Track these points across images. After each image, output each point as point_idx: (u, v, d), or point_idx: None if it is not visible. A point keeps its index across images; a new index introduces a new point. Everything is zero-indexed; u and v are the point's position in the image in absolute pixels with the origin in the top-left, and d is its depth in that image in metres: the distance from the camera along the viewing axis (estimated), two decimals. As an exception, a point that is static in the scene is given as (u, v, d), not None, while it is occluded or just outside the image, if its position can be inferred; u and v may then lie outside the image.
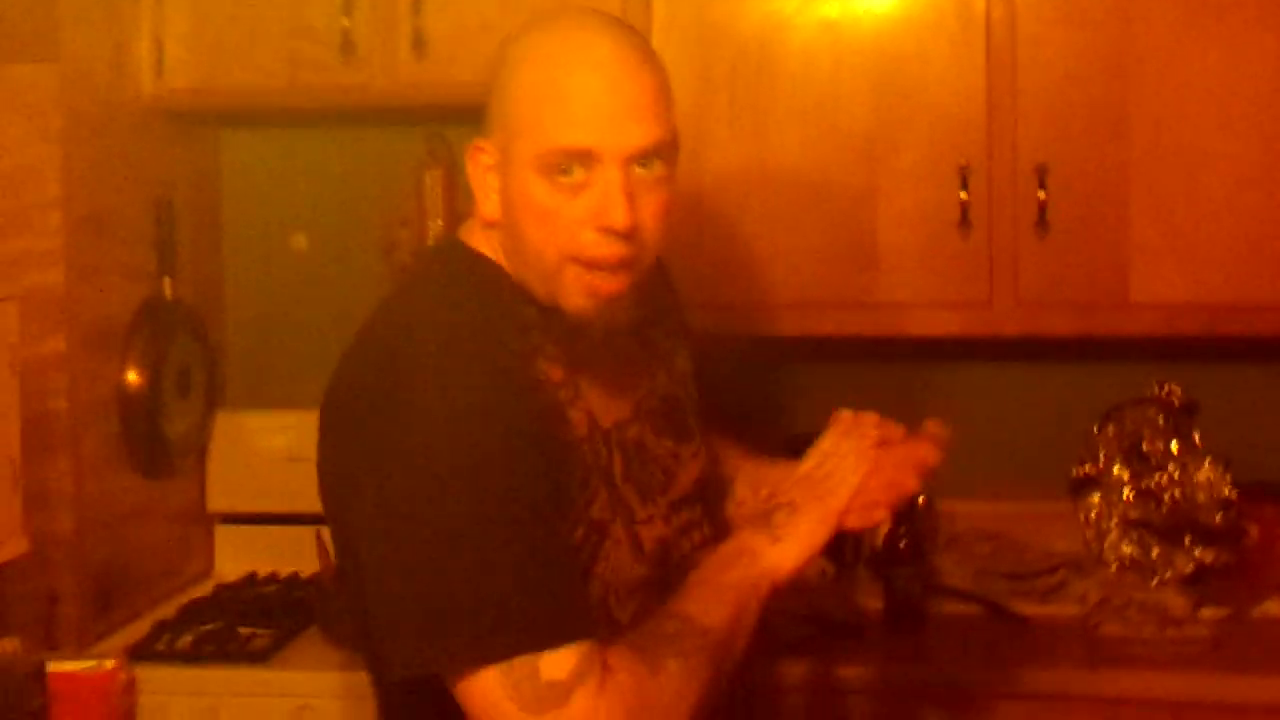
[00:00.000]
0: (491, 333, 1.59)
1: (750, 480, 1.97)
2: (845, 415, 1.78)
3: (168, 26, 2.79)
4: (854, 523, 1.71)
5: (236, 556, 3.11)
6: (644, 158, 1.58)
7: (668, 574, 1.69)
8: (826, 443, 1.75)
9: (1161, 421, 2.79)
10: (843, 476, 1.70)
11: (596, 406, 1.67)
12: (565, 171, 1.56)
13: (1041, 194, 2.58)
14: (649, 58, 1.62)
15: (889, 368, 2.99)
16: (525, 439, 1.53)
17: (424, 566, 1.48)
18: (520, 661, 1.45)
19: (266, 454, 3.08)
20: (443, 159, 2.90)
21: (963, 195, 2.60)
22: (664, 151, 1.60)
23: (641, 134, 1.57)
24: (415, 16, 2.69)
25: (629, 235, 1.56)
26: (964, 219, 2.61)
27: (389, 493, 1.50)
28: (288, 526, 3.01)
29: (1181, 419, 2.79)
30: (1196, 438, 2.77)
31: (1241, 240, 2.57)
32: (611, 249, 1.57)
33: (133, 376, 2.81)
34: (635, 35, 1.65)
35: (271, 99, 2.82)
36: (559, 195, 1.57)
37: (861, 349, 2.92)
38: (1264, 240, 2.56)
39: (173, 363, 2.92)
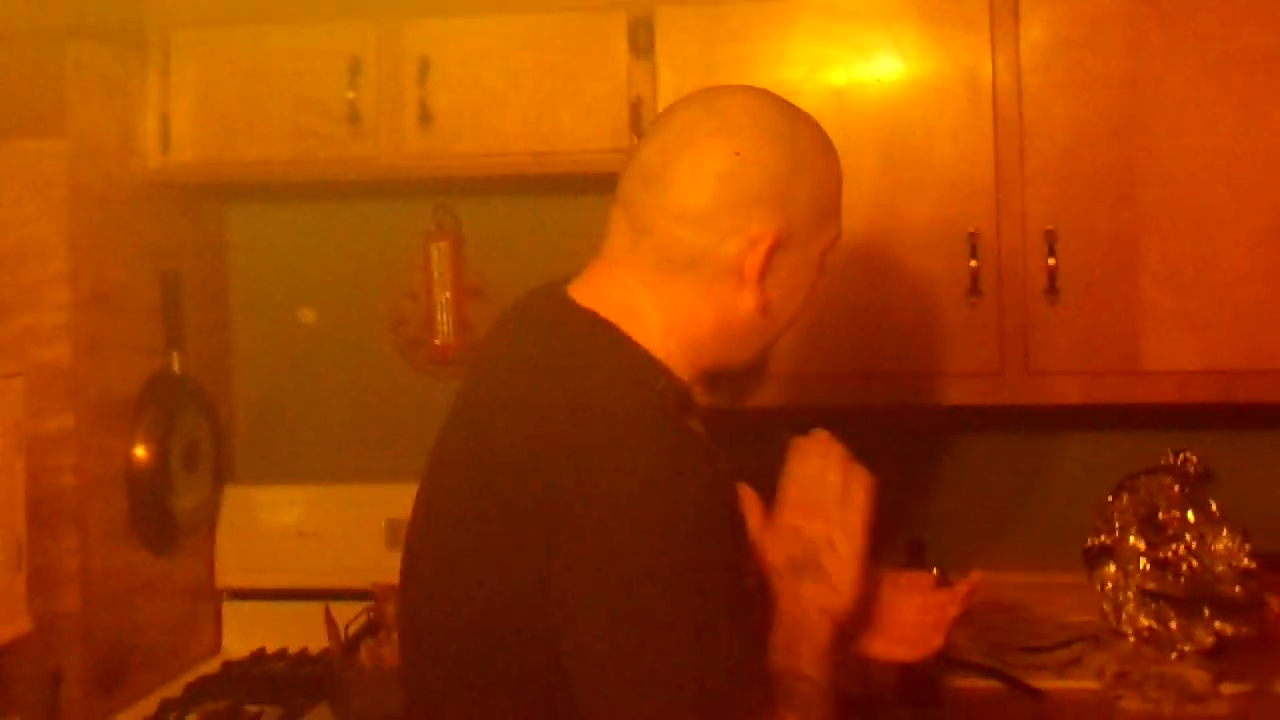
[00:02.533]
0: (665, 409, 1.57)
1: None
2: (800, 441, 1.73)
3: (174, 101, 2.80)
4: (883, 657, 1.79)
5: (245, 633, 3.07)
6: None
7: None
8: (800, 468, 1.70)
9: (1177, 490, 2.76)
10: (844, 497, 1.67)
11: None
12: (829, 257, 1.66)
13: (1051, 261, 2.56)
14: None
15: (899, 439, 2.96)
16: (730, 508, 1.54)
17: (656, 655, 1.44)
18: None
19: (275, 529, 3.07)
20: (449, 231, 2.91)
21: (972, 263, 2.58)
22: None
23: None
24: (420, 88, 2.70)
25: None
26: (974, 287, 2.59)
27: (615, 566, 1.44)
28: (296, 603, 2.98)
29: (1197, 488, 2.76)
30: (1214, 506, 2.74)
31: (1254, 305, 2.53)
32: None
33: (140, 452, 2.79)
34: None
35: (277, 172, 2.81)
36: (820, 277, 1.66)
37: (871, 420, 2.87)
38: (1277, 305, 2.52)
39: (180, 437, 2.91)
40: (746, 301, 1.60)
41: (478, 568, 1.54)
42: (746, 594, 1.53)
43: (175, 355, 2.91)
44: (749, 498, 1.64)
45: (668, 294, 1.60)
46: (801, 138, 1.62)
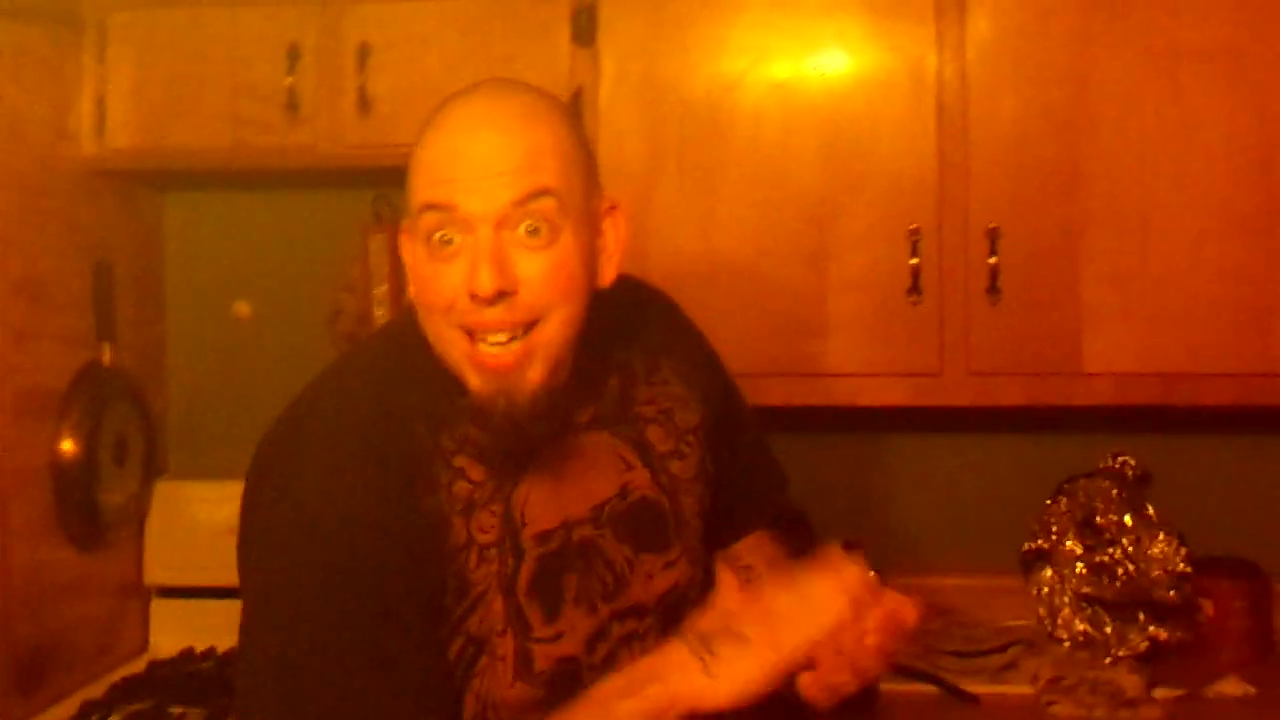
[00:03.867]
0: (397, 425, 1.52)
1: (718, 609, 1.71)
2: (836, 555, 1.55)
3: (110, 85, 2.76)
4: (817, 696, 1.49)
5: (174, 632, 3.01)
6: (519, 218, 1.49)
7: (574, 692, 1.55)
8: (805, 580, 1.52)
9: (1115, 494, 2.75)
10: (807, 625, 1.48)
11: (533, 507, 1.58)
12: (445, 240, 1.49)
13: (993, 259, 2.54)
14: (541, 114, 1.53)
15: (837, 439, 2.95)
16: (389, 547, 1.46)
17: (269, 670, 1.45)
18: None
19: (207, 525, 2.98)
20: (388, 222, 2.86)
21: (913, 261, 2.56)
22: (547, 210, 1.50)
23: (509, 191, 1.48)
24: (360, 75, 2.67)
25: (495, 300, 1.47)
26: (914, 285, 2.56)
27: (252, 580, 1.51)
28: (228, 600, 2.88)
29: (1135, 491, 2.75)
30: (1151, 510, 2.73)
31: (1196, 306, 2.52)
32: (486, 316, 1.48)
33: (67, 445, 2.73)
34: (532, 94, 1.57)
35: (215, 159, 2.77)
36: (436, 263, 1.50)
37: (808, 420, 2.84)
38: (1219, 306, 2.51)
39: (109, 431, 2.85)
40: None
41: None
42: (401, 640, 1.47)
43: (106, 347, 2.86)
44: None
45: None
46: (419, 134, 1.56)
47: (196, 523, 3.01)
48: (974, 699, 2.55)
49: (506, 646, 1.54)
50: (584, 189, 1.55)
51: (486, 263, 1.46)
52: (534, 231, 1.49)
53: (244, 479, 1.57)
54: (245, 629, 1.50)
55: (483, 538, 1.53)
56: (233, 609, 2.77)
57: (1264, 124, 2.52)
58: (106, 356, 2.86)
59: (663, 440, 1.74)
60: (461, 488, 1.53)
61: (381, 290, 2.84)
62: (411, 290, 1.57)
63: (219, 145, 2.74)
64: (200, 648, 2.96)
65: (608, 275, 1.60)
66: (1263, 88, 2.52)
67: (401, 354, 1.59)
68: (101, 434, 2.81)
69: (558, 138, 1.53)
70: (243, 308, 3.13)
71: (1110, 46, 2.54)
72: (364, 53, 2.67)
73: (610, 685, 1.50)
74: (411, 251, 1.55)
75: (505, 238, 1.48)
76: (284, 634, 1.44)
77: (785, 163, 2.59)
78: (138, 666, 2.89)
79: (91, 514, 2.81)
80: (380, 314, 2.84)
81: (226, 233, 3.14)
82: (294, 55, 2.69)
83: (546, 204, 1.50)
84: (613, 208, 1.61)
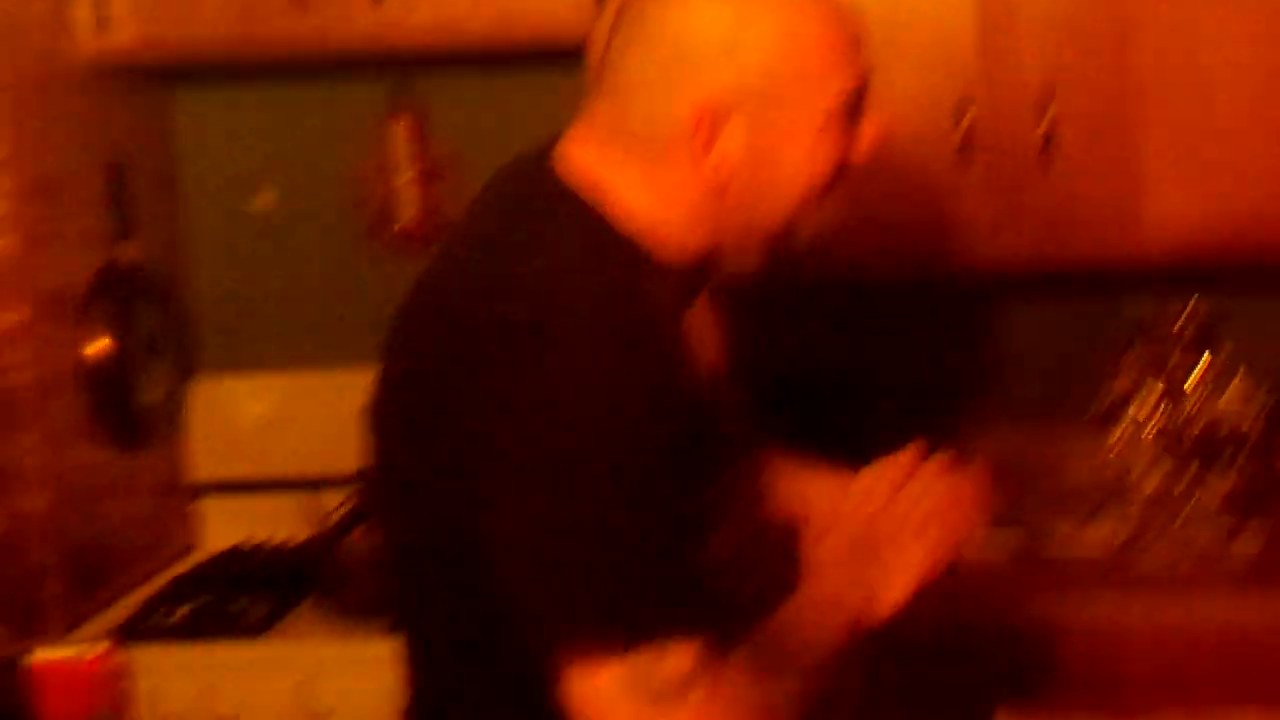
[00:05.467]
0: (627, 292, 1.45)
1: (804, 486, 1.79)
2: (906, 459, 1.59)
3: (109, -21, 2.63)
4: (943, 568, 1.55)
5: (222, 527, 3.00)
6: None
7: (746, 552, 1.57)
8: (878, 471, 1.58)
9: (1189, 341, 2.69)
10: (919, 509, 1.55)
11: (698, 370, 1.55)
12: (842, 118, 1.47)
13: (1044, 124, 2.45)
14: None
15: (899, 303, 2.87)
16: (678, 407, 1.41)
17: (564, 538, 1.37)
18: (645, 652, 1.34)
19: (247, 420, 2.99)
20: (408, 108, 2.76)
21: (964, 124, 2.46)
22: None
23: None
24: (371, -40, 2.54)
25: None
26: (964, 151, 2.47)
27: (533, 453, 1.37)
28: (274, 493, 2.92)
29: (1207, 339, 2.68)
30: (1226, 354, 2.67)
31: (1257, 158, 2.44)
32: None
33: (96, 346, 2.68)
34: None
35: (223, 51, 2.66)
36: (835, 144, 1.48)
37: (866, 294, 2.80)
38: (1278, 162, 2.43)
39: (138, 330, 2.80)
40: (705, 173, 1.47)
41: (421, 455, 1.47)
42: (681, 520, 1.42)
43: (126, 246, 2.78)
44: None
45: (639, 167, 1.49)
46: (763, 33, 1.45)
47: (236, 418, 2.99)
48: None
49: (739, 510, 1.55)
50: None
51: (882, 134, 1.51)
52: None
53: (447, 359, 1.45)
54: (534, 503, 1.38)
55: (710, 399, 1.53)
56: (281, 501, 2.82)
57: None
58: (127, 255, 2.79)
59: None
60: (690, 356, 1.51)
61: (406, 178, 2.76)
62: (778, 174, 1.48)
63: (226, 36, 2.61)
64: (251, 542, 2.95)
65: None
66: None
67: (592, 223, 1.49)
68: (130, 334, 2.76)
69: None
70: (264, 199, 3.03)
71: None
72: (376, -64, 2.54)
73: (781, 617, 1.51)
74: (790, 145, 1.48)
75: None
76: (591, 498, 1.37)
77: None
78: (191, 563, 2.89)
79: (128, 414, 2.77)
80: (406, 201, 2.76)
81: (241, 126, 3.03)
82: (302, -59, 2.55)
83: None
84: None
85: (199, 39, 2.64)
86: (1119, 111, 2.45)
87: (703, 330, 1.60)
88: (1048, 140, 2.46)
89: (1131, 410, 2.70)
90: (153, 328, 2.87)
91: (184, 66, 2.85)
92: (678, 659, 1.34)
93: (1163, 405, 2.69)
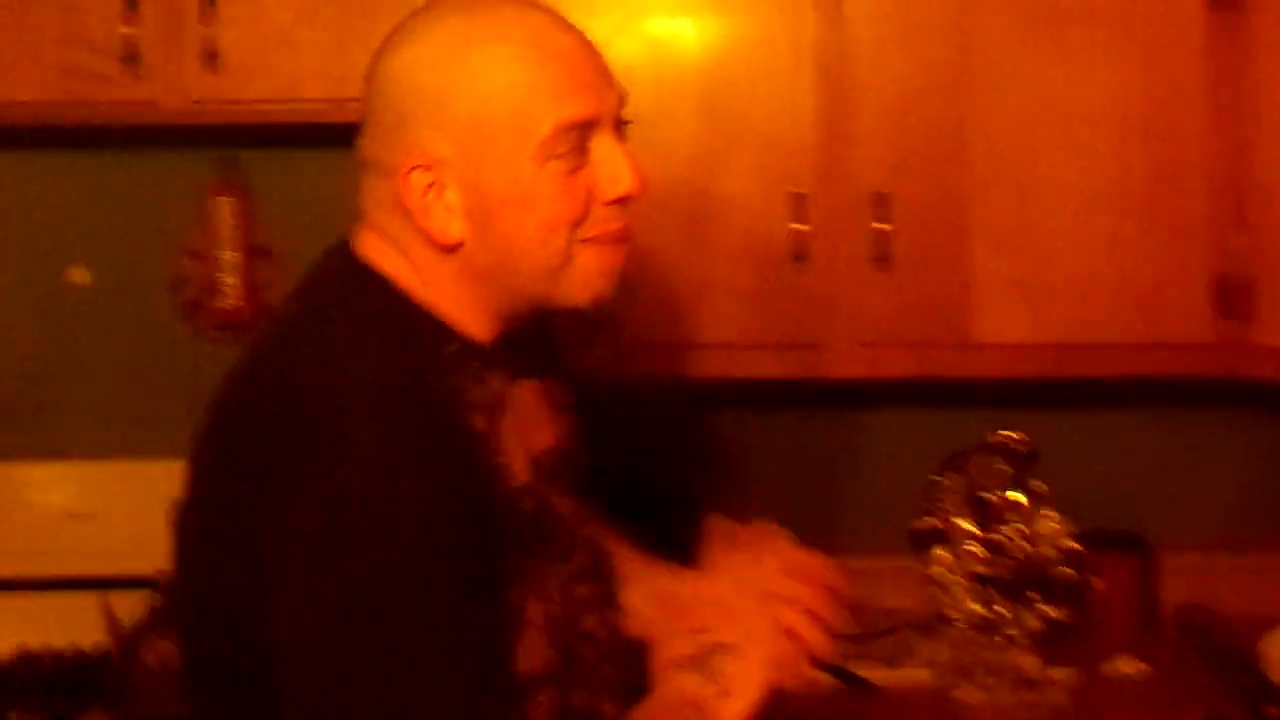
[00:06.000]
0: (421, 376, 1.40)
1: (646, 589, 1.70)
2: (755, 532, 1.59)
3: (-76, 34, 2.53)
4: (789, 682, 1.48)
5: (7, 629, 2.76)
6: (616, 115, 1.47)
7: (569, 661, 1.48)
8: (725, 563, 1.53)
9: (1004, 469, 2.67)
10: (766, 614, 1.48)
11: (512, 460, 1.46)
12: (580, 149, 1.42)
13: (881, 225, 2.44)
14: None
15: (716, 415, 2.84)
16: (467, 497, 1.34)
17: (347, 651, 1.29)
18: None
19: (42, 510, 2.81)
20: (236, 184, 2.68)
21: (797, 226, 2.44)
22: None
23: (618, 90, 1.47)
24: (206, 26, 2.46)
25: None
26: (799, 252, 2.45)
27: (314, 559, 1.30)
28: (68, 593, 2.71)
29: (1024, 467, 2.67)
30: (1039, 486, 2.65)
31: (1085, 274, 2.45)
32: (622, 219, 1.46)
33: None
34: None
35: (45, 115, 2.54)
36: (562, 178, 1.42)
37: (687, 395, 2.75)
38: (1107, 273, 2.45)
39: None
40: (436, 236, 1.43)
41: (217, 556, 1.40)
42: (484, 607, 1.35)
43: (-79, 316, 2.65)
44: None
45: (399, 240, 1.45)
46: (468, 43, 1.43)
47: (30, 507, 2.82)
48: (874, 689, 2.39)
49: (533, 610, 1.44)
50: None
51: (628, 161, 1.45)
52: (621, 127, 1.47)
53: (227, 453, 1.41)
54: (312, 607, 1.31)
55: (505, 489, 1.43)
56: (73, 602, 2.65)
57: (1150, 89, 2.46)
58: (-78, 326, 2.65)
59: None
60: (480, 438, 1.43)
61: (231, 256, 2.66)
62: (452, 227, 1.42)
63: (49, 99, 2.50)
64: (38, 646, 2.72)
65: None
66: (1151, 51, 2.46)
67: (379, 300, 1.45)
68: (-81, 411, 2.61)
69: None
70: (78, 274, 2.89)
71: (995, 5, 2.45)
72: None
73: (649, 713, 1.46)
74: (461, 181, 1.42)
75: (621, 136, 1.46)
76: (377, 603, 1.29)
77: (658, 124, 2.43)
78: (-32, 668, 2.69)
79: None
80: (230, 281, 2.67)
81: (59, 194, 2.90)
82: (132, 2, 2.47)
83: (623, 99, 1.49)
84: None
85: (19, 101, 2.52)
86: (952, 217, 2.45)
87: (528, 416, 1.53)
88: (881, 244, 2.45)
89: (952, 533, 2.67)
90: (-56, 406, 2.71)
91: (2, 128, 2.70)
92: None
93: (982, 529, 2.67)
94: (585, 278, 1.45)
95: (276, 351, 1.45)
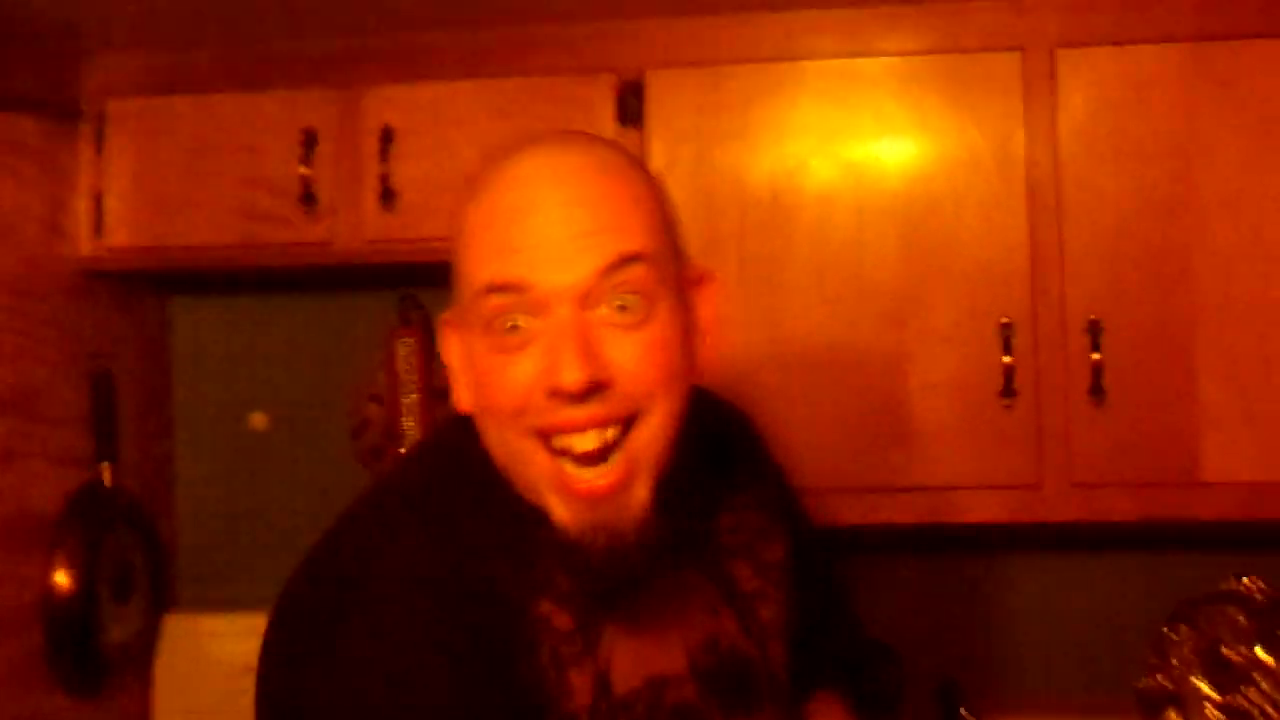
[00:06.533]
0: (470, 571, 1.23)
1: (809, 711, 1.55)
2: None
3: (109, 179, 2.51)
4: None
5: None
6: (605, 291, 1.21)
7: None
8: None
9: (1243, 621, 2.43)
10: None
11: (620, 663, 1.28)
12: (510, 326, 1.21)
13: (1095, 355, 2.26)
14: (620, 165, 1.27)
15: (927, 560, 2.66)
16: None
17: None
18: None
19: (224, 663, 2.71)
20: (417, 324, 2.60)
21: (1006, 359, 2.27)
22: (639, 279, 1.22)
23: (593, 258, 1.21)
24: (382, 164, 2.41)
25: (586, 396, 1.19)
26: (1008, 386, 2.28)
27: None
28: (246, 748, 2.63)
29: (1266, 619, 2.43)
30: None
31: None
32: (571, 415, 1.20)
33: (61, 579, 2.45)
34: (603, 144, 1.32)
35: (223, 258, 2.51)
36: (500, 356, 1.22)
37: (895, 539, 2.57)
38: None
39: (110, 561, 2.57)
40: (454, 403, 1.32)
41: None
42: None
43: (106, 466, 2.59)
44: None
45: None
46: (468, 192, 1.29)
47: (212, 660, 2.73)
48: None
49: None
50: (675, 253, 1.28)
51: (571, 349, 1.19)
52: (624, 308, 1.21)
53: (264, 636, 1.33)
54: None
55: (570, 705, 1.24)
56: None
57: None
58: (107, 477, 2.59)
59: (749, 579, 1.44)
60: (548, 643, 1.24)
61: (411, 399, 2.58)
62: (461, 395, 1.29)
63: (228, 243, 2.48)
64: (215, 800, 2.65)
65: (705, 363, 1.31)
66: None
67: (456, 477, 1.30)
68: (101, 564, 2.53)
69: (642, 192, 1.26)
70: (259, 420, 2.87)
71: (1218, 118, 2.27)
72: (387, 138, 2.41)
73: None
74: (460, 346, 1.28)
75: (589, 318, 1.21)
76: None
77: (858, 252, 2.32)
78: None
79: (89, 656, 2.52)
80: (410, 425, 2.58)
81: (238, 339, 2.89)
82: (310, 142, 2.44)
83: (637, 271, 1.22)
84: (704, 277, 1.32)
85: (199, 245, 2.50)
86: (1174, 347, 2.26)
87: (640, 612, 1.33)
88: (1097, 376, 2.26)
89: (1186, 695, 2.43)
90: (126, 558, 2.64)
91: (181, 273, 2.69)
92: None
93: (1221, 690, 2.43)
94: (547, 497, 1.24)
95: (342, 517, 1.34)
